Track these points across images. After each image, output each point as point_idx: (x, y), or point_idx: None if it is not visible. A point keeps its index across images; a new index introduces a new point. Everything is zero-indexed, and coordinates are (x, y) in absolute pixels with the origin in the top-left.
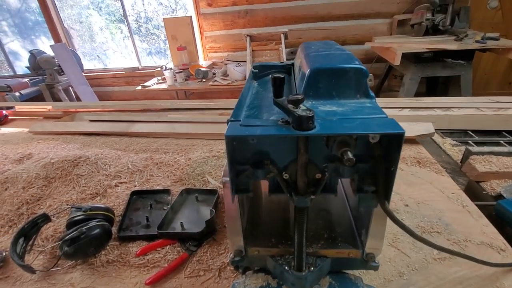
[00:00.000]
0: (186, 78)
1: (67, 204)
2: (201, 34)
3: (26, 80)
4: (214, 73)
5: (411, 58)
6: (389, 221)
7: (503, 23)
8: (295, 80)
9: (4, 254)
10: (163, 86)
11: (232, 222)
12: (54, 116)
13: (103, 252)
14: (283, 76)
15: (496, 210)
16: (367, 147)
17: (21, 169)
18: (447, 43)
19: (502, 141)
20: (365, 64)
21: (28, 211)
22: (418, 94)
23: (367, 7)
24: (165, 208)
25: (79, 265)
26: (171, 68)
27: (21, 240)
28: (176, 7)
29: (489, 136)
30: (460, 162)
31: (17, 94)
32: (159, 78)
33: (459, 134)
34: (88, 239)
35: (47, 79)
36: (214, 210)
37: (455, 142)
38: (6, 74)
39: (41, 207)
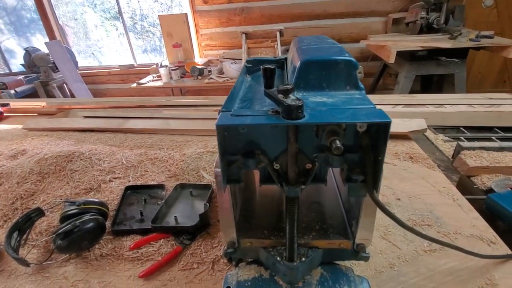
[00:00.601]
0: (182, 76)
1: (61, 199)
2: (197, 31)
3: (21, 77)
4: (209, 71)
5: (405, 56)
6: (380, 215)
7: (499, 21)
8: (287, 74)
9: None
10: (159, 83)
11: (225, 213)
12: (48, 113)
13: (97, 246)
14: (273, 67)
15: (486, 204)
16: (355, 137)
17: (15, 164)
18: (441, 42)
19: (494, 137)
20: (361, 63)
21: (22, 205)
22: (412, 92)
23: (363, 5)
24: (159, 202)
25: (73, 259)
26: (166, 66)
27: (15, 234)
28: (171, 4)
29: (481, 132)
30: (452, 157)
31: (12, 91)
32: (155, 75)
33: (452, 131)
34: (82, 232)
35: (42, 76)
36: (208, 204)
37: (447, 138)
38: (1, 72)
39: (35, 202)
